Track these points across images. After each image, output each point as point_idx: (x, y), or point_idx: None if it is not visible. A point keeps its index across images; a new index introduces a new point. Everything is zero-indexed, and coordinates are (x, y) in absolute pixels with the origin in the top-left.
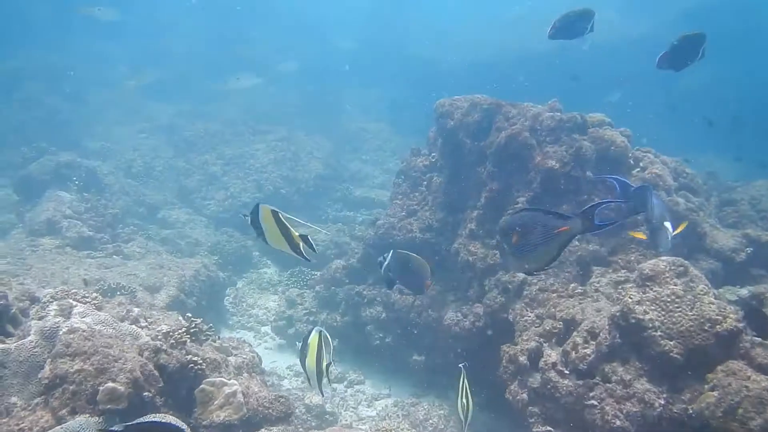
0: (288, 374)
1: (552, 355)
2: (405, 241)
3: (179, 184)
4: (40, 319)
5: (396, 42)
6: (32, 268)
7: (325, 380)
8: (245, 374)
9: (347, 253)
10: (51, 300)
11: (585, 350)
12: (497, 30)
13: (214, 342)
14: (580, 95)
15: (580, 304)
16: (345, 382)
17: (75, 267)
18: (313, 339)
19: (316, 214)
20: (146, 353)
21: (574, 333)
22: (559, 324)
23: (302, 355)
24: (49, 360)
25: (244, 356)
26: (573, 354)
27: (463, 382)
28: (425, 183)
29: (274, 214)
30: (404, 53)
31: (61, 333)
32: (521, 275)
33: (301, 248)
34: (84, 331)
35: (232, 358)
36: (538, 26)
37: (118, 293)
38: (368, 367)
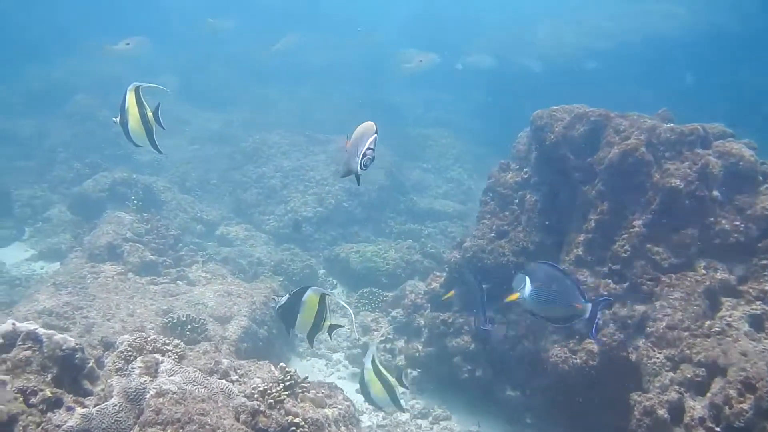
0: (366, 408)
1: (697, 408)
2: (496, 266)
3: (236, 198)
4: (123, 376)
5: (454, 44)
6: (95, 298)
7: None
8: (343, 429)
9: (419, 271)
10: (130, 350)
11: (741, 405)
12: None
13: (308, 393)
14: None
15: (719, 345)
16: (430, 418)
17: (140, 296)
18: (311, 299)
19: (379, 227)
20: (243, 416)
21: (722, 382)
22: (701, 371)
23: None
24: (137, 428)
25: (340, 406)
26: (726, 409)
27: None
28: (517, 201)
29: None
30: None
31: (148, 396)
32: (641, 308)
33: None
34: (174, 393)
35: (328, 411)
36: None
37: (189, 327)
38: (454, 402)
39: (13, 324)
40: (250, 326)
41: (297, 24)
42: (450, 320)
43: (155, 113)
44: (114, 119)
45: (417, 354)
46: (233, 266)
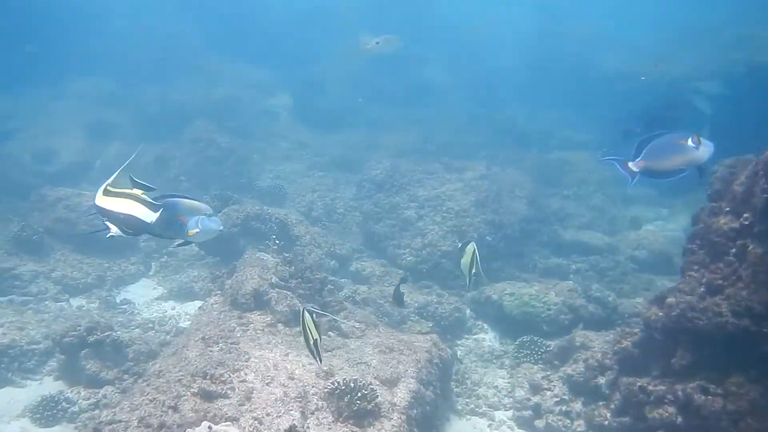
0: None
1: None
2: (712, 327)
3: (367, 230)
4: None
5: (568, 57)
6: (250, 357)
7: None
8: None
9: (584, 318)
10: None
11: None
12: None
13: None
14: None
15: None
16: None
17: (294, 353)
18: (470, 248)
19: (522, 262)
20: None
21: None
22: None
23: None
24: None
25: None
26: None
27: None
28: (734, 251)
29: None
30: (580, 67)
31: None
32: None
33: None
34: None
35: None
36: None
37: (359, 395)
38: None
39: (210, 428)
40: (419, 389)
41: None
42: (649, 387)
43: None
44: None
45: (605, 422)
46: (374, 308)
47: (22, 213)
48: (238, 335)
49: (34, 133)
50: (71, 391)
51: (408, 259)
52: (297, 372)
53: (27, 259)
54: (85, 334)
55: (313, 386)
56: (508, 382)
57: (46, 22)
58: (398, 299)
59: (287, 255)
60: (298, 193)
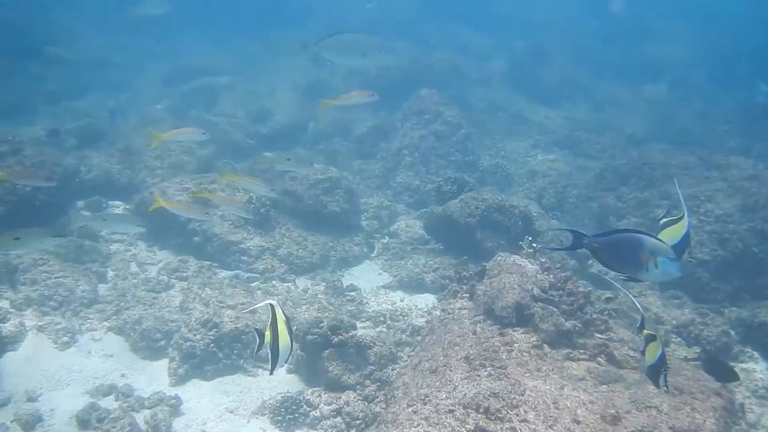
0: None
1: None
2: None
3: (605, 226)
4: None
5: None
6: (525, 390)
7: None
8: None
9: None
10: None
11: None
12: None
13: None
14: None
15: None
16: None
17: (571, 385)
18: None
19: None
20: None
21: None
22: None
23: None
24: None
25: None
26: None
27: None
28: None
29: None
30: None
31: None
32: None
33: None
34: None
35: None
36: None
37: None
38: None
39: None
40: None
41: None
42: None
43: None
44: None
45: None
46: (627, 322)
47: None
48: (504, 357)
49: (249, 90)
50: (311, 393)
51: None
52: (580, 413)
53: (254, 233)
54: (329, 332)
55: None
56: None
57: None
58: None
59: (544, 260)
60: (526, 177)
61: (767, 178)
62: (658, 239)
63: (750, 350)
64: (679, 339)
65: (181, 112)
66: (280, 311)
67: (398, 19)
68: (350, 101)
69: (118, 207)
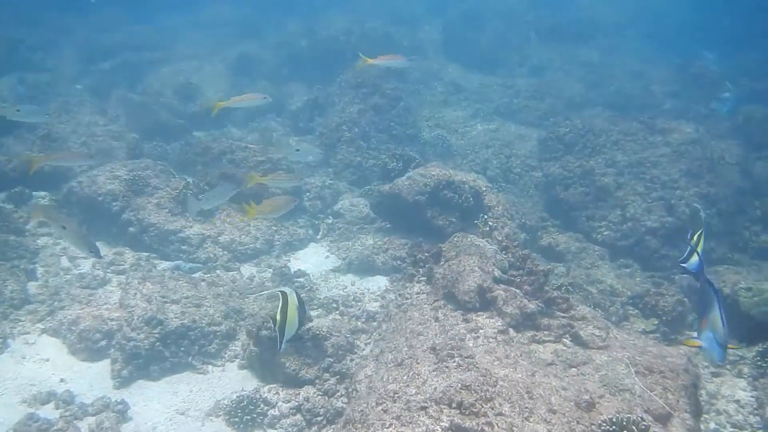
0: None
1: None
2: None
3: (550, 196)
4: None
5: None
6: (497, 380)
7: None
8: None
9: None
10: None
11: None
12: None
13: None
14: None
15: None
16: None
17: (541, 373)
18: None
19: (733, 240)
20: None
21: None
22: None
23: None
24: None
25: None
26: None
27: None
28: None
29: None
30: None
31: None
32: None
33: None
34: None
35: None
36: None
37: None
38: None
39: None
40: (697, 428)
41: None
42: None
43: None
44: None
45: None
46: (583, 296)
47: (179, 164)
48: (471, 345)
49: (176, 67)
50: (268, 391)
51: (605, 234)
52: (554, 400)
53: (192, 221)
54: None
55: (577, 422)
56: (752, 396)
57: None
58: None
59: (500, 239)
60: (468, 148)
61: (709, 141)
62: (721, 315)
63: None
64: (636, 311)
65: (102, 91)
66: (295, 297)
67: None
68: (242, 103)
69: (44, 198)
